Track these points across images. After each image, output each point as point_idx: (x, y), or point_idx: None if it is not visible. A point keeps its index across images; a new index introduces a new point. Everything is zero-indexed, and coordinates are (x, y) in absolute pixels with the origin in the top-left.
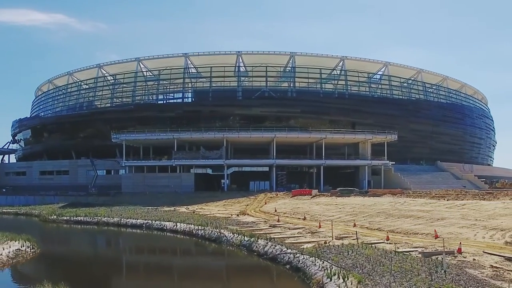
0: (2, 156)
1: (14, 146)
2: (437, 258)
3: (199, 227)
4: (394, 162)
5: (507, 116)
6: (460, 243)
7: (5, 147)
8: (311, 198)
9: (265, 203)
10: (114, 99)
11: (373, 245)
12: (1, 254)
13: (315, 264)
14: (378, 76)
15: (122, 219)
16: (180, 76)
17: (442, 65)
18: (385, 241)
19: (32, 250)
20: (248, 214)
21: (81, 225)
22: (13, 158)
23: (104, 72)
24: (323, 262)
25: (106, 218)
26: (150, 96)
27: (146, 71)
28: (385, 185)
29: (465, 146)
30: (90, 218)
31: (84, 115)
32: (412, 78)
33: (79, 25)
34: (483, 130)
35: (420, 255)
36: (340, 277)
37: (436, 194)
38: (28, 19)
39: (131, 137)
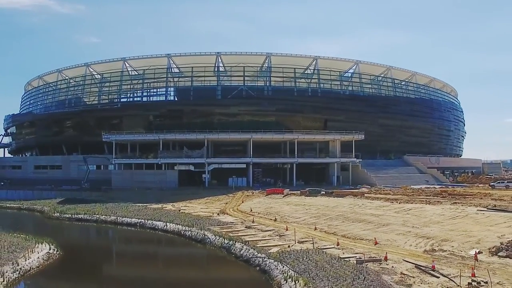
0: None
1: (6, 139)
2: (366, 265)
3: (187, 228)
4: (361, 160)
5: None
6: (386, 253)
7: None
8: (283, 197)
9: (242, 202)
10: (102, 96)
11: (325, 250)
12: (38, 258)
13: (277, 268)
14: (349, 74)
15: (118, 218)
16: (163, 76)
17: (419, 46)
18: (336, 246)
19: (57, 252)
20: (227, 214)
21: (81, 222)
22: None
23: (92, 70)
24: (283, 266)
25: (103, 216)
26: (135, 93)
27: (131, 70)
28: (353, 180)
29: (434, 138)
30: (89, 216)
31: (74, 113)
32: (382, 75)
33: (59, 7)
34: (451, 122)
35: (355, 262)
36: (293, 280)
37: (392, 195)
38: (8, 1)
39: (120, 138)
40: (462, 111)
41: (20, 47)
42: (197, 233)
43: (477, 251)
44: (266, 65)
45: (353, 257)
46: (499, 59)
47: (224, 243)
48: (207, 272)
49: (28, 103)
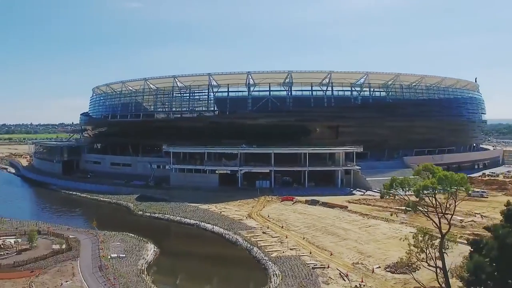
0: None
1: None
2: (315, 270)
3: (226, 231)
4: (360, 168)
5: None
6: (329, 263)
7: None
8: (292, 204)
9: (263, 207)
10: (157, 105)
11: (301, 257)
12: (150, 254)
13: (271, 268)
14: (360, 83)
15: (182, 218)
16: (205, 90)
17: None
18: (309, 254)
19: (157, 249)
20: (252, 218)
21: (158, 220)
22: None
23: (149, 83)
24: (275, 267)
25: (171, 216)
26: (183, 104)
27: (181, 85)
28: (354, 183)
29: (444, 134)
30: (162, 215)
31: (138, 123)
32: (391, 81)
33: None
34: (464, 116)
35: (310, 267)
36: (276, 276)
37: (372, 206)
38: None
39: (176, 149)
40: (479, 103)
41: (63, 13)
42: (232, 237)
43: (376, 267)
44: (288, 80)
45: (312, 263)
46: None
47: (248, 246)
48: (233, 264)
49: (97, 104)
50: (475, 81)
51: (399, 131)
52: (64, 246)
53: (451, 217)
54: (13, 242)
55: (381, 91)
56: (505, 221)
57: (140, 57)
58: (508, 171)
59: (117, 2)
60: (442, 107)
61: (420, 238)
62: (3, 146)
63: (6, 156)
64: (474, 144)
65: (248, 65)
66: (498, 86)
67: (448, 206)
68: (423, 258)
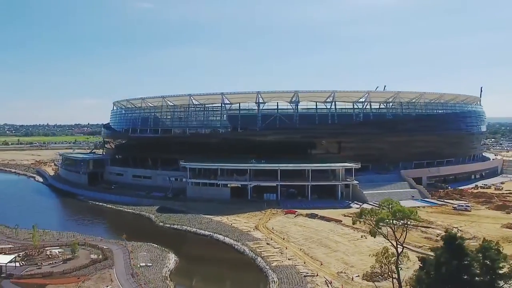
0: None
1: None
2: (306, 277)
3: (235, 242)
4: (358, 182)
5: None
6: (317, 272)
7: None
8: (295, 217)
9: (269, 219)
10: (174, 121)
11: (296, 266)
12: (172, 263)
13: (271, 275)
14: (362, 100)
15: (197, 230)
16: (218, 108)
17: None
18: (303, 264)
19: (177, 258)
20: (259, 230)
21: (177, 231)
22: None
23: (167, 101)
24: (274, 274)
25: (188, 227)
26: (198, 119)
27: (196, 103)
28: (352, 196)
29: (443, 146)
30: (180, 226)
31: (157, 138)
32: (391, 98)
33: None
34: (462, 130)
35: (302, 275)
36: (275, 283)
37: (359, 225)
38: None
39: (192, 165)
40: (478, 115)
41: (80, 15)
42: (240, 247)
43: (355, 276)
44: (294, 99)
45: (305, 272)
46: None
47: (253, 256)
48: (240, 272)
49: (118, 117)
50: (480, 91)
51: (398, 145)
52: (100, 256)
53: (404, 241)
54: (58, 252)
55: (382, 108)
56: (444, 243)
57: (152, 58)
58: (501, 182)
59: (129, 2)
60: (441, 121)
61: (382, 256)
62: (25, 152)
63: (32, 164)
64: (472, 155)
65: (252, 64)
66: None
67: (402, 232)
68: (384, 270)
